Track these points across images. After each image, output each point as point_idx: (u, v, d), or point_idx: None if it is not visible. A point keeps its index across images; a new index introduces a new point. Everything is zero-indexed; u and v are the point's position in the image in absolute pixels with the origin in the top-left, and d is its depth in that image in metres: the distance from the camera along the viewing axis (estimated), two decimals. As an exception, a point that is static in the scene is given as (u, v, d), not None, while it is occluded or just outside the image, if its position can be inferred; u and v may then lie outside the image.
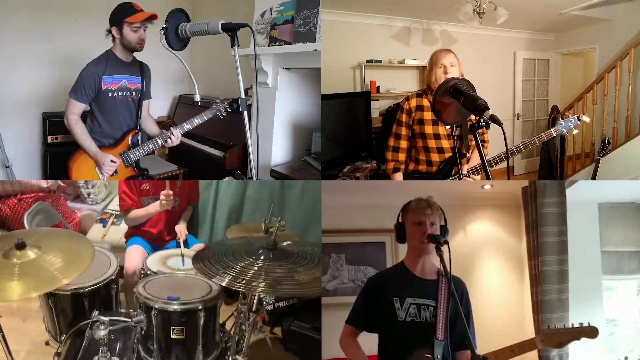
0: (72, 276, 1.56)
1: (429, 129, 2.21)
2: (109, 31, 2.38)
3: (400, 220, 1.67)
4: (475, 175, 2.23)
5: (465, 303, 1.59)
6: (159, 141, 2.47)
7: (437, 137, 2.22)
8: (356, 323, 1.64)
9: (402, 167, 2.32)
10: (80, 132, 2.42)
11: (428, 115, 2.22)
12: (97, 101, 2.43)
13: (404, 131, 2.28)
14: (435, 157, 2.25)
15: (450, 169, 2.22)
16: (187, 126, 2.44)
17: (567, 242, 2.47)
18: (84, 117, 2.48)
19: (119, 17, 2.32)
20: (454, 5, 3.94)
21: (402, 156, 2.30)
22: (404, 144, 2.29)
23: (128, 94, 2.50)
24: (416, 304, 1.54)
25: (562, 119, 2.17)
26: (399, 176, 2.32)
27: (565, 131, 2.14)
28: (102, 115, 2.47)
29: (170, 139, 2.43)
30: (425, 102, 2.24)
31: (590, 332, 1.50)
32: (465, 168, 2.23)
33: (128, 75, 2.48)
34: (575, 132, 2.15)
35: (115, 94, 2.46)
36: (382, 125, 4.30)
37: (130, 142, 2.51)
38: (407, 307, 1.54)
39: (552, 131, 2.15)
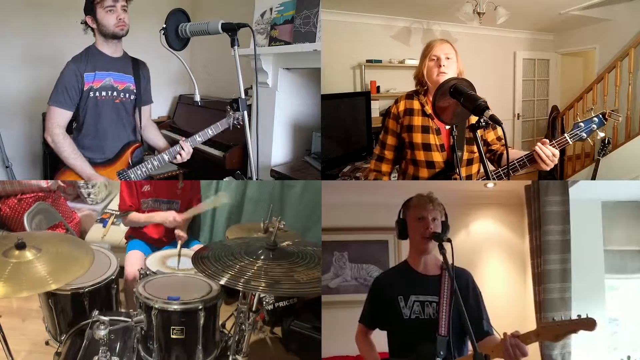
0: (62, 282, 1.56)
1: (417, 138, 1.84)
2: (85, 23, 2.08)
3: (401, 216, 1.66)
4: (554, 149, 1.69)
5: (473, 291, 1.59)
6: (166, 157, 2.11)
7: (426, 147, 1.84)
8: (365, 322, 1.68)
9: (385, 178, 2.01)
10: (70, 149, 2.02)
11: (418, 120, 1.85)
12: (79, 106, 2.06)
13: (389, 140, 1.94)
14: (424, 172, 1.86)
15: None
16: (199, 139, 2.12)
17: (569, 241, 2.47)
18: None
19: (89, 4, 2.05)
20: (454, 5, 3.95)
21: (385, 167, 1.98)
22: (389, 154, 1.96)
23: (114, 94, 2.11)
24: (420, 301, 1.55)
25: (586, 118, 1.63)
26: None
27: (585, 136, 1.64)
28: (84, 123, 2.08)
29: (180, 154, 2.10)
30: (416, 105, 1.86)
31: (588, 323, 1.42)
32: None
33: (114, 71, 2.11)
34: (600, 135, 1.66)
35: (97, 94, 2.06)
36: (382, 125, 4.31)
37: (130, 159, 2.14)
38: (411, 305, 1.55)
39: (567, 137, 1.66)
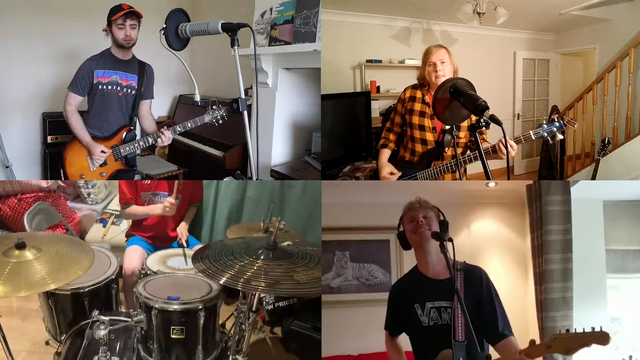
0: (62, 282, 1.56)
1: (415, 119, 2.27)
2: (106, 31, 2.54)
3: (400, 229, 1.69)
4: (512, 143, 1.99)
5: (487, 289, 1.58)
6: (150, 139, 2.55)
7: (421, 128, 2.27)
8: (389, 330, 1.73)
9: (392, 145, 2.42)
10: (75, 122, 2.54)
11: (417, 106, 2.28)
12: (90, 94, 2.57)
13: (397, 119, 2.39)
14: (418, 147, 2.30)
15: (430, 162, 2.27)
16: (179, 128, 2.51)
17: (571, 241, 2.46)
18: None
19: (108, 17, 2.49)
20: (454, 5, 3.95)
21: (392, 136, 2.42)
22: (396, 129, 2.41)
23: (118, 88, 2.57)
24: (435, 307, 1.56)
25: (550, 121, 2.00)
26: (385, 151, 2.42)
27: (546, 135, 1.97)
28: (93, 108, 2.58)
29: (161, 139, 2.52)
30: (418, 94, 2.29)
31: (602, 337, 1.39)
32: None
33: (122, 72, 2.56)
34: (560, 137, 1.98)
35: (105, 87, 2.54)
36: (382, 125, 4.31)
37: (123, 138, 2.59)
38: (428, 312, 1.57)
39: (532, 133, 2.00)
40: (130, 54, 2.59)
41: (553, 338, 1.42)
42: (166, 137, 2.52)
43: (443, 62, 2.17)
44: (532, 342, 1.46)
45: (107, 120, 2.59)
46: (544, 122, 2.00)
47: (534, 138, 2.01)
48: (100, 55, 2.56)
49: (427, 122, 2.26)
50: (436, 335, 1.54)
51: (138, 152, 2.68)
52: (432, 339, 1.55)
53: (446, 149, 2.23)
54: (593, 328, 1.39)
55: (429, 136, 2.26)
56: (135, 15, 2.44)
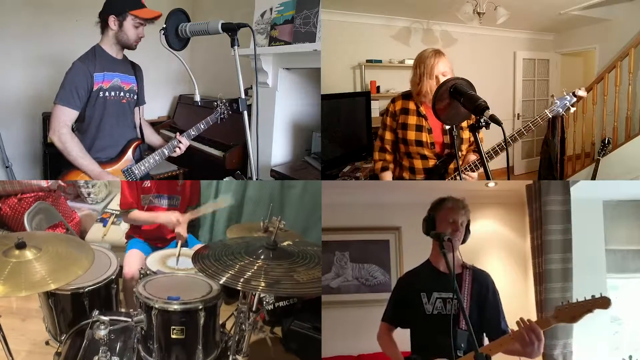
0: (62, 282, 1.56)
1: (411, 135, 2.06)
2: (105, 20, 2.07)
3: (431, 213, 1.72)
4: (471, 172, 2.07)
5: (492, 292, 1.68)
6: (166, 151, 2.23)
7: (419, 144, 2.06)
8: (389, 320, 1.77)
9: (391, 165, 2.20)
10: (77, 148, 2.01)
11: (412, 119, 2.06)
12: (87, 105, 2.07)
13: (388, 135, 2.15)
14: (418, 163, 2.09)
15: (441, 177, 2.08)
16: (193, 132, 2.26)
17: (571, 240, 2.47)
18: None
19: (122, 6, 2.03)
20: (454, 5, 3.95)
21: (388, 156, 2.19)
22: (389, 147, 2.18)
23: (121, 94, 2.17)
24: (442, 298, 1.64)
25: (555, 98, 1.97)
26: (387, 175, 2.19)
27: (562, 111, 1.94)
28: (94, 123, 2.10)
29: (179, 147, 2.22)
30: (412, 106, 2.08)
31: (603, 302, 1.49)
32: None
33: (121, 73, 2.16)
34: (573, 109, 1.95)
35: (107, 94, 2.10)
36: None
37: (133, 156, 2.21)
38: (433, 302, 1.64)
39: (547, 112, 1.95)
40: (122, 52, 2.19)
41: (558, 309, 1.50)
42: (183, 145, 2.23)
43: (445, 75, 1.97)
44: (540, 316, 1.55)
45: (112, 136, 2.16)
46: (555, 99, 1.96)
47: (550, 116, 1.96)
48: (92, 54, 2.08)
49: (425, 137, 2.05)
50: (437, 324, 1.61)
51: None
52: (433, 328, 1.62)
53: (458, 158, 1.97)
54: (593, 295, 1.49)
55: (428, 152, 2.06)
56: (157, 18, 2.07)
